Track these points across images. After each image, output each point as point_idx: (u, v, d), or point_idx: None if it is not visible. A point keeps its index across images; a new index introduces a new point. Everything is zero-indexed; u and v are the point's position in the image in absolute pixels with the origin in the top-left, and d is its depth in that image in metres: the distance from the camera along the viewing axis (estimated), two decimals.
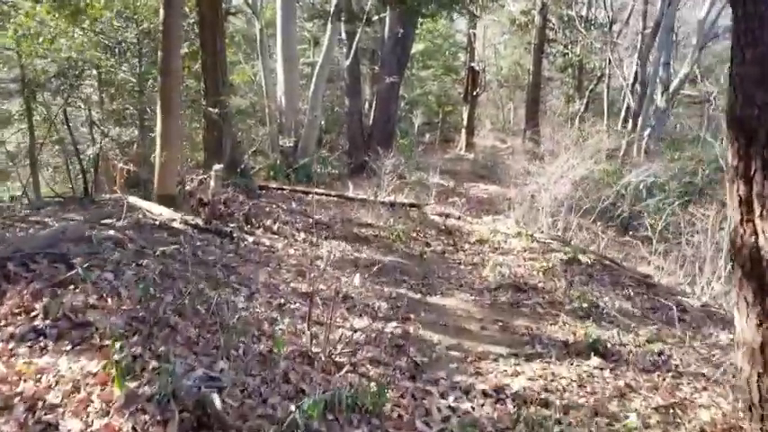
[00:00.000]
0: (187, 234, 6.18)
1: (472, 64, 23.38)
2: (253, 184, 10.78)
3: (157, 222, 6.31)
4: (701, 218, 12.61)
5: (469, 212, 11.43)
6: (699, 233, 10.35)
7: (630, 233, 12.28)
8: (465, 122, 23.90)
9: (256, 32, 13.19)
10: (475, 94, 23.75)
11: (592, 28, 24.29)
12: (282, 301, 4.91)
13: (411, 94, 22.32)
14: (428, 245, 8.03)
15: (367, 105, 17.67)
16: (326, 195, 11.09)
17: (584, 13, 24.86)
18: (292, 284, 5.47)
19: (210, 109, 10.22)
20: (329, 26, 12.66)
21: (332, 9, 12.33)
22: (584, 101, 27.16)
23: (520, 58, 27.09)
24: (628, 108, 22.47)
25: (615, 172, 13.55)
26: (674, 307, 5.69)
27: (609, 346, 4.86)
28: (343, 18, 12.22)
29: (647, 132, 15.57)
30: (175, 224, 6.41)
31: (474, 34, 23.17)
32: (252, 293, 4.88)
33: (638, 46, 22.23)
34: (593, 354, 4.68)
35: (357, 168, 13.58)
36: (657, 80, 16.00)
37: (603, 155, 12.55)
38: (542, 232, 8.21)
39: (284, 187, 11.31)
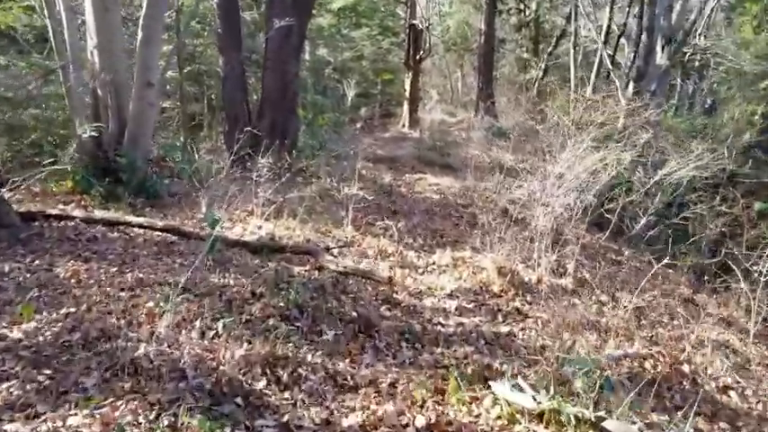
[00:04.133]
0: None
1: (414, 22, 17.94)
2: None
3: None
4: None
5: (413, 245, 6.21)
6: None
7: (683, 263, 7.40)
8: (408, 93, 18.55)
9: None
10: (418, 58, 18.40)
11: None
12: None
13: (340, 57, 16.80)
14: None
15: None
16: (149, 229, 5.69)
17: None
18: None
19: None
20: None
21: None
22: (543, 65, 22.17)
23: (468, 16, 21.74)
24: (599, 68, 17.50)
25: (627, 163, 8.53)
26: None
27: None
28: None
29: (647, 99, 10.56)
30: None
31: None
32: None
33: None
34: None
35: (238, 163, 8.14)
36: (658, 30, 10.97)
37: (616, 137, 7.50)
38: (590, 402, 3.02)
39: (73, 215, 5.85)
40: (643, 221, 5.94)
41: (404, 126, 18.59)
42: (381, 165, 12.01)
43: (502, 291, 4.96)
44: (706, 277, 8.09)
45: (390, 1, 20.08)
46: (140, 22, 6.92)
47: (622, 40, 19.18)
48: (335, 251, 5.29)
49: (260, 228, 5.80)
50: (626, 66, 17.76)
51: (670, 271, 8.00)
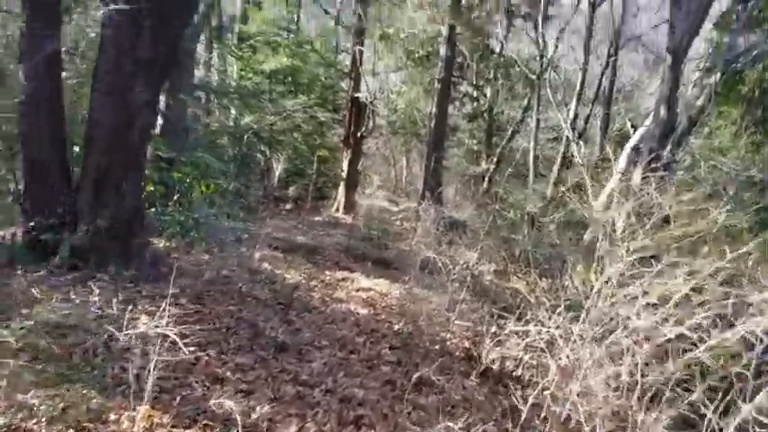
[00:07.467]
0: None
1: (357, 95, 15.06)
2: None
3: None
4: None
5: None
6: None
7: None
8: (345, 174, 15.36)
9: None
10: (359, 135, 15.38)
11: (515, 62, 16.83)
12: None
13: (265, 123, 13.53)
14: None
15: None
16: None
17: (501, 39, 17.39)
18: None
19: None
20: None
21: None
22: (495, 159, 19.61)
23: (418, 100, 19.14)
24: (563, 161, 14.88)
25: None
26: None
27: None
28: None
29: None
30: None
31: (360, 53, 14.89)
32: None
33: (581, 80, 14.90)
34: None
35: (40, 247, 4.37)
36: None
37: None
38: None
39: None
40: None
41: (338, 210, 15.29)
42: (296, 255, 8.49)
43: None
44: None
45: (332, 73, 17.25)
46: None
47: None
48: None
49: None
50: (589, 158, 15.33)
51: None
